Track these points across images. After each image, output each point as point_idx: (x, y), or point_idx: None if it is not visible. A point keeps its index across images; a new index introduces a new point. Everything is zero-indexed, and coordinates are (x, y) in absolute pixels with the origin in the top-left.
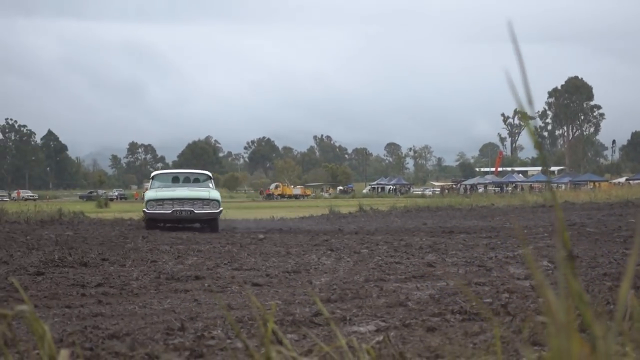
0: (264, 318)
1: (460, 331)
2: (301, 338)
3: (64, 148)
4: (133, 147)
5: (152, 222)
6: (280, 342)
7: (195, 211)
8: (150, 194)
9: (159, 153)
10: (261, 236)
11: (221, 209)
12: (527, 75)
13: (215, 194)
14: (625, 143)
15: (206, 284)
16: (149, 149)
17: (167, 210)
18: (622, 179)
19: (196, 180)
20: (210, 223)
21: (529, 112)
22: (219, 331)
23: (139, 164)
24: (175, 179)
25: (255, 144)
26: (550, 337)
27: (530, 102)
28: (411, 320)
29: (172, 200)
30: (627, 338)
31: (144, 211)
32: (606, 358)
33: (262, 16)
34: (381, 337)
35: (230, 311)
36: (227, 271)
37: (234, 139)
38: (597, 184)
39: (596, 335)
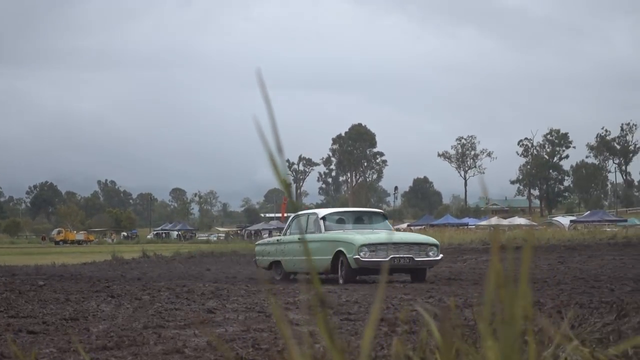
0: None
1: None
2: None
3: None
4: None
5: (363, 272)
6: None
7: (416, 259)
8: (357, 237)
9: None
10: (41, 282)
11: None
12: (276, 122)
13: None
14: (407, 189)
15: None
16: None
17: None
18: (404, 225)
19: (371, 221)
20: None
21: (278, 160)
22: None
23: None
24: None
25: (38, 189)
26: None
27: (280, 149)
28: None
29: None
30: None
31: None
32: None
33: (33, 58)
34: None
35: None
36: (3, 319)
37: (15, 183)
38: None
39: None
